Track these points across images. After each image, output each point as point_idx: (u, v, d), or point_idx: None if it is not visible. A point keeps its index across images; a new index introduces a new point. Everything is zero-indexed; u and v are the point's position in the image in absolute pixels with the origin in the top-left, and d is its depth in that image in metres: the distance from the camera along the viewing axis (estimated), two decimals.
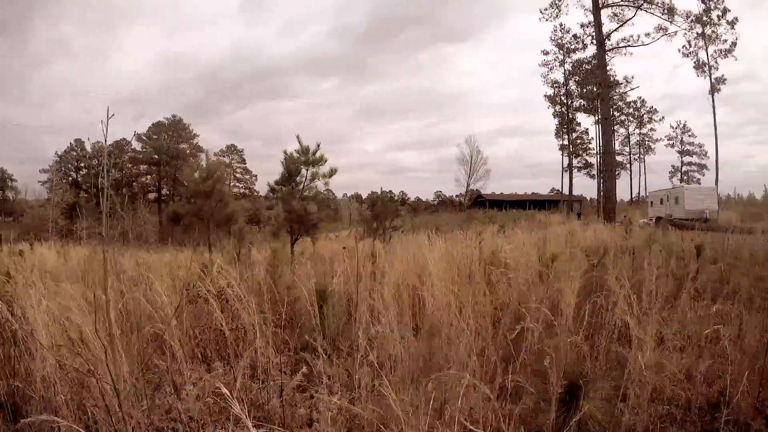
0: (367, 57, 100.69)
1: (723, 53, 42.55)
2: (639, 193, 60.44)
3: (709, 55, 43.47)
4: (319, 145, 11.62)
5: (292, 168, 11.54)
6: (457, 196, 66.47)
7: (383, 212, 13.35)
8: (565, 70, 52.33)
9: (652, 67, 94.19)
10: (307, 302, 4.52)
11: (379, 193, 22.20)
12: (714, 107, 46.39)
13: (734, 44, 41.56)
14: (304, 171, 11.64)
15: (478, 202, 63.05)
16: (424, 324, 4.44)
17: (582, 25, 43.18)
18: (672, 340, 4.17)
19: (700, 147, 58.34)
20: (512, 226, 14.76)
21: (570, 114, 55.47)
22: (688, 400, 3.67)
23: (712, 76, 44.89)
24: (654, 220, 27.99)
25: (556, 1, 37.07)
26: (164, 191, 64.75)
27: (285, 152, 11.69)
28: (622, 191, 66.85)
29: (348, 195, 77.93)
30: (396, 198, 68.39)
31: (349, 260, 5.75)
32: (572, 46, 47.35)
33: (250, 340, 4.01)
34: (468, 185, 60.87)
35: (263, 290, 4.87)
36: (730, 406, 3.38)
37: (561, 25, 48.43)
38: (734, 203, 40.13)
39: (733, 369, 3.58)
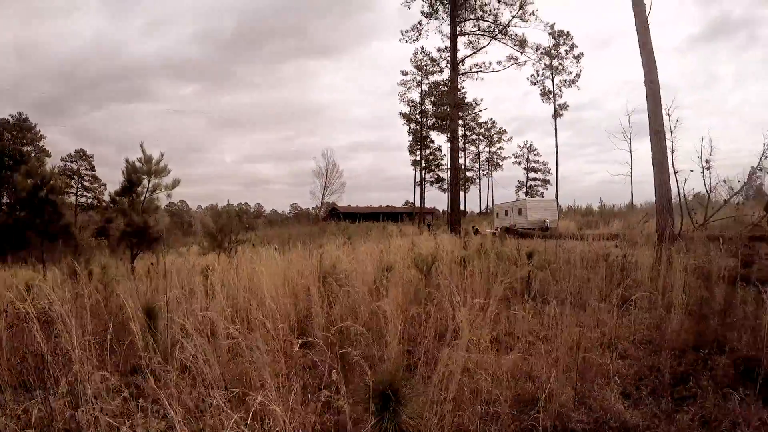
0: (231, 65, 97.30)
1: (567, 83, 48.53)
2: (488, 205, 64.88)
3: (554, 84, 49.29)
4: (162, 155, 11.15)
5: (133, 178, 10.91)
6: (313, 208, 66.55)
7: (228, 225, 12.99)
8: (422, 90, 55.29)
9: (505, 92, 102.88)
10: (134, 321, 4.32)
11: (227, 205, 21.58)
12: (556, 130, 52.72)
13: (578, 76, 47.49)
14: (146, 181, 11.05)
15: (333, 214, 63.64)
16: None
17: (439, 50, 45.81)
18: (506, 341, 4.55)
19: (545, 164, 64.19)
20: (364, 238, 15.11)
21: (424, 131, 58.67)
22: (511, 396, 3.87)
23: (556, 103, 50.92)
24: (500, 230, 30.08)
25: (418, 25, 38.81)
26: (5, 199, 56.95)
27: (127, 161, 11.06)
28: (473, 204, 71.53)
29: (203, 207, 74.36)
30: (252, 210, 66.64)
31: (188, 276, 5.59)
32: (430, 69, 49.81)
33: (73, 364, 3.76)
34: (323, 198, 61.16)
35: (90, 310, 4.57)
36: (552, 399, 3.66)
37: (422, 48, 51.18)
38: (573, 213, 44.36)
39: (553, 363, 3.96)
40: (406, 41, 40.18)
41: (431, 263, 6.22)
